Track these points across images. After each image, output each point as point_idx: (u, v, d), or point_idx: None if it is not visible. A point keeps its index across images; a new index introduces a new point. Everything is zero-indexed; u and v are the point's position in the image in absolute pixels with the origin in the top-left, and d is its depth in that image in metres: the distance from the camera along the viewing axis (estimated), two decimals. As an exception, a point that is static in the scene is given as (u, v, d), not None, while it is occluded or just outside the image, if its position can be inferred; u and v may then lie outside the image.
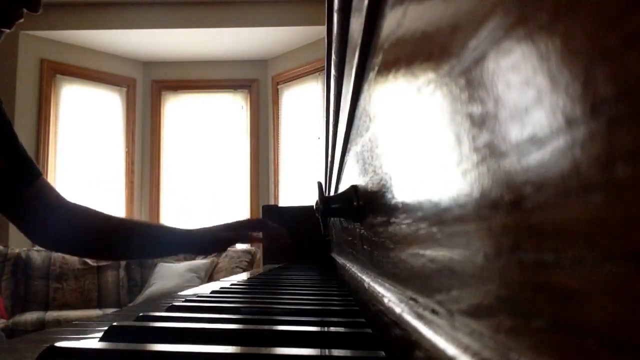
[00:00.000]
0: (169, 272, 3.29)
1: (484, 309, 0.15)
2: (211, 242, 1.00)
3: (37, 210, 0.94)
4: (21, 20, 0.78)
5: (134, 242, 1.03)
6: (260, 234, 1.10)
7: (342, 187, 0.77)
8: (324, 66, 1.07)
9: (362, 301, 0.44)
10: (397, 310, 0.26)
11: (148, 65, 4.13)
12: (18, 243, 3.17)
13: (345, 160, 0.73)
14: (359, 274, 0.49)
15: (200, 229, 1.03)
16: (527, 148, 0.11)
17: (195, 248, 1.04)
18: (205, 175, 4.03)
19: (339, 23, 0.55)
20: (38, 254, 3.22)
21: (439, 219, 0.19)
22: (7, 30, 0.77)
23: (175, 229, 1.08)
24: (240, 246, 3.70)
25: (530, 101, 0.11)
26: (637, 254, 0.08)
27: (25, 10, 0.77)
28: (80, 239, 1.00)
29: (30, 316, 2.90)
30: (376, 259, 0.39)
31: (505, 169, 0.13)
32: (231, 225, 1.04)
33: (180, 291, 0.79)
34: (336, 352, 0.30)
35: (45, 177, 0.98)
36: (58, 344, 0.28)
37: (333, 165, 1.05)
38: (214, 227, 1.04)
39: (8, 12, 0.75)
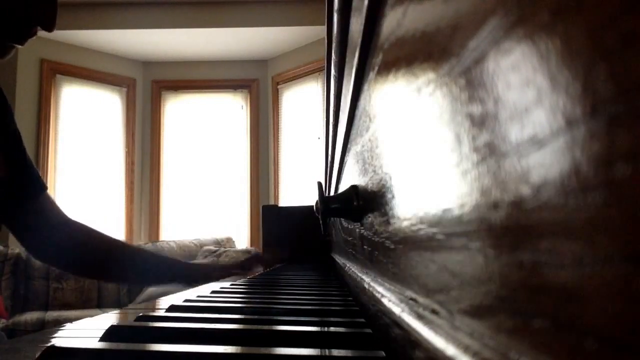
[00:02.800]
0: (169, 272, 3.28)
1: (484, 309, 0.15)
2: (203, 278, 1.05)
3: (38, 225, 0.94)
4: (34, 38, 0.79)
5: (130, 267, 1.04)
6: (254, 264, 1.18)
7: (342, 187, 0.77)
8: (324, 66, 1.07)
9: (362, 301, 0.44)
10: (397, 310, 0.26)
11: (148, 65, 4.13)
12: (18, 243, 3.17)
13: (345, 160, 0.73)
14: (359, 274, 0.49)
15: (196, 264, 1.07)
16: (527, 148, 0.11)
17: (185, 280, 1.08)
18: (205, 175, 4.03)
19: (339, 23, 0.55)
20: (38, 254, 3.22)
21: (439, 219, 0.19)
22: (19, 46, 0.78)
23: (169, 258, 1.11)
24: (240, 247, 3.70)
25: (530, 101, 0.11)
26: (637, 254, 0.08)
27: (39, 28, 0.78)
28: (78, 257, 1.00)
29: (30, 316, 2.90)
30: (376, 259, 0.39)
31: (505, 169, 0.13)
32: (225, 266, 1.10)
33: (180, 291, 0.79)
34: (336, 352, 0.30)
35: (49, 192, 0.98)
36: (58, 344, 0.28)
37: (333, 165, 1.05)
38: (208, 265, 1.09)
39: (23, 29, 0.76)
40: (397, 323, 0.25)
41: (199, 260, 3.33)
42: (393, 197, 0.29)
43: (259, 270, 1.22)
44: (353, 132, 0.56)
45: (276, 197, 3.87)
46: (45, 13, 0.77)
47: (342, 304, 0.54)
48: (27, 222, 0.93)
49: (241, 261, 1.17)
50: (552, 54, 0.10)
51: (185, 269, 1.08)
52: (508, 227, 0.13)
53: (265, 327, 0.37)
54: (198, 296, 0.61)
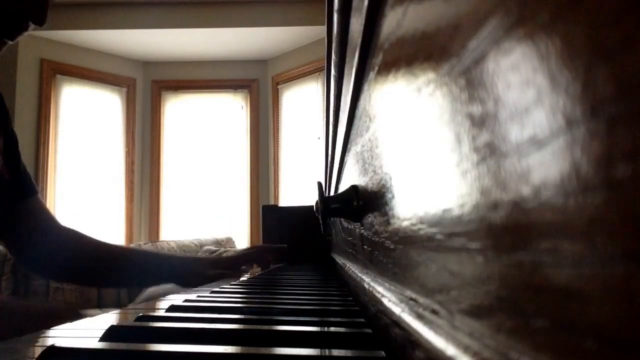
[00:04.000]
0: (169, 272, 3.28)
1: (484, 309, 0.15)
2: (200, 277, 1.01)
3: (27, 229, 0.91)
4: (25, 33, 0.78)
5: (120, 272, 1.01)
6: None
7: (342, 187, 0.77)
8: (324, 66, 1.07)
9: (362, 301, 0.44)
10: (397, 310, 0.26)
11: (148, 65, 4.12)
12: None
13: (345, 160, 0.73)
14: (359, 274, 0.49)
15: (195, 259, 1.05)
16: (527, 148, 0.11)
17: (183, 280, 1.04)
18: (205, 175, 4.03)
19: (339, 23, 0.55)
20: (38, 254, 3.22)
21: (439, 219, 0.19)
22: (10, 42, 0.77)
23: (165, 256, 1.08)
24: (239, 247, 3.69)
25: (530, 101, 0.11)
26: (637, 254, 0.08)
27: (31, 24, 0.77)
28: (68, 264, 0.97)
29: (30, 316, 2.90)
30: (376, 259, 0.39)
31: (505, 169, 0.13)
32: (221, 261, 1.07)
33: (180, 291, 0.79)
34: (336, 352, 0.30)
35: (41, 197, 0.97)
36: (58, 344, 0.28)
37: (333, 165, 1.05)
38: (207, 260, 1.07)
39: (13, 24, 0.75)
40: (397, 323, 0.25)
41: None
42: (393, 197, 0.29)
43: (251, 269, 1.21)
44: (353, 132, 0.56)
45: (276, 197, 3.87)
46: (35, 7, 0.75)
47: (342, 304, 0.54)
48: (16, 225, 0.90)
49: (245, 251, 1.16)
50: (552, 54, 0.10)
51: (176, 268, 1.04)
52: (508, 227, 0.13)
53: (265, 327, 0.37)
54: (198, 296, 0.61)
